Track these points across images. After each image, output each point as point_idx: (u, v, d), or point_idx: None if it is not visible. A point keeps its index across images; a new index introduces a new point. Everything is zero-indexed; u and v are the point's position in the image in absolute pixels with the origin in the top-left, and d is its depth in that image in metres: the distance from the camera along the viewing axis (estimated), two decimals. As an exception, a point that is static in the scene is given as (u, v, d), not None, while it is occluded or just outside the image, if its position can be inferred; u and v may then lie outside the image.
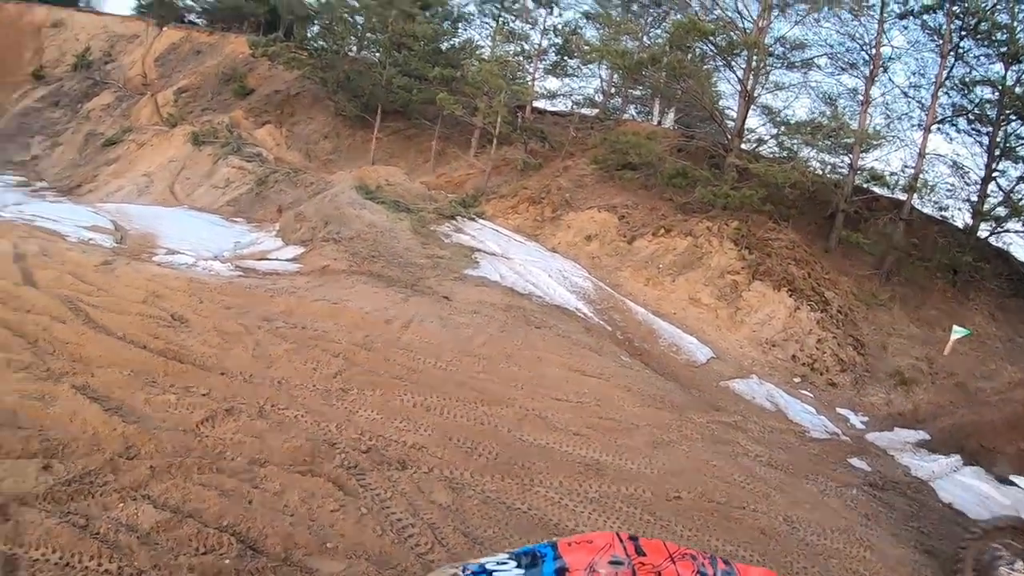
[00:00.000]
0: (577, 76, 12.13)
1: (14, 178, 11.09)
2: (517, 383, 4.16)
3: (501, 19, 11.73)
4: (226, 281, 5.58)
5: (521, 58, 11.37)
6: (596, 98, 12.67)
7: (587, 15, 11.91)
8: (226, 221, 8.61)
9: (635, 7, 12.21)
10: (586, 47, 10.85)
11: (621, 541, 1.13)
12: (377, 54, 11.90)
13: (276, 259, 6.89)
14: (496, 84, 9.75)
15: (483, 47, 11.96)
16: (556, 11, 11.59)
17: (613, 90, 12.80)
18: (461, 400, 3.62)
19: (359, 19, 12.00)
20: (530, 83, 11.57)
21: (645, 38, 11.80)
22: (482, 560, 1.10)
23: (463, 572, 1.05)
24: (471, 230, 8.35)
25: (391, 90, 10.84)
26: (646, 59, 9.64)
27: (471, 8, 12.44)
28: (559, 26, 11.66)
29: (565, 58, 11.58)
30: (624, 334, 6.47)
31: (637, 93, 13.12)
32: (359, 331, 4.51)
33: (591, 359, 5.08)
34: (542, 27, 11.40)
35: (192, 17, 16.61)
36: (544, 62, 11.58)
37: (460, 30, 12.22)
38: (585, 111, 12.05)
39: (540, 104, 12.42)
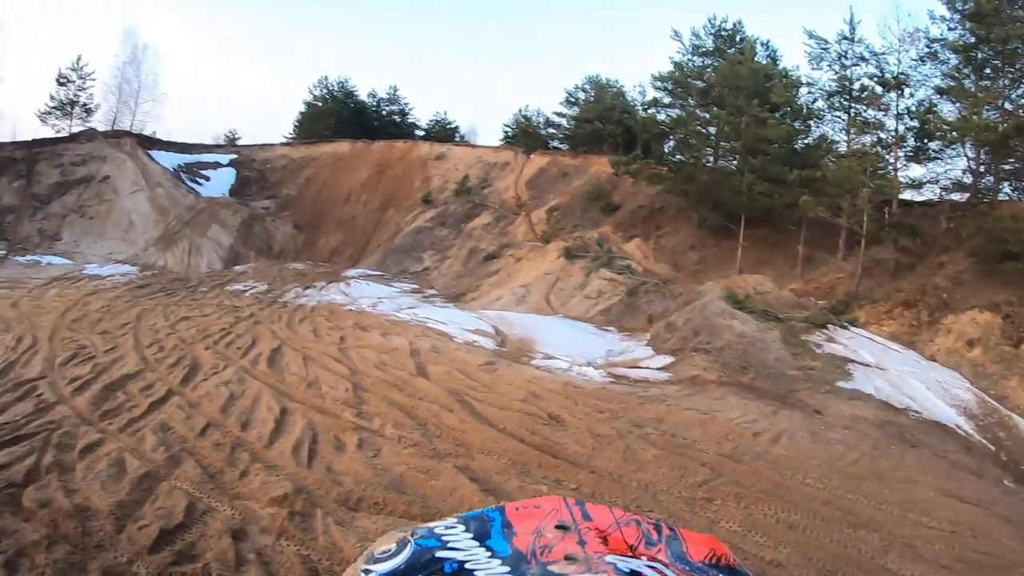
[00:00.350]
0: (941, 159, 19.29)
1: (409, 286, 23.14)
2: (886, 506, 6.82)
3: (852, 110, 20.33)
4: (599, 387, 11.05)
5: (879, 148, 19.44)
6: (965, 180, 19.26)
7: (939, 90, 18.78)
8: (598, 330, 16.39)
9: (987, 70, 18.24)
10: (944, 126, 17.46)
11: (568, 506, 2.12)
12: (734, 162, 21.94)
13: (647, 367, 12.80)
14: (857, 180, 17.40)
15: (838, 142, 20.88)
16: (907, 91, 19.07)
17: (982, 168, 19.25)
18: (826, 520, 6.22)
19: (712, 130, 22.32)
20: (892, 174, 18.82)
21: (1006, 104, 17.64)
22: (431, 524, 2.02)
23: (412, 536, 1.92)
24: (843, 339, 14.17)
25: (751, 197, 19.91)
26: (1011, 129, 14.68)
27: (819, 103, 21.32)
28: (912, 108, 19.00)
29: (925, 141, 18.87)
30: (1009, 455, 9.89)
31: (1009, 167, 18.98)
32: (727, 442, 8.27)
33: (969, 483, 8.08)
34: (895, 111, 19.28)
35: (555, 143, 32.30)
36: (904, 149, 19.45)
37: (812, 127, 21.59)
38: (955, 196, 19.16)
39: (906, 195, 19.75)
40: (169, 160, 32.52)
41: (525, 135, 34.51)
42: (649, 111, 26.27)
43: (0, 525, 5.85)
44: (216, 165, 34.05)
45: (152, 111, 38.00)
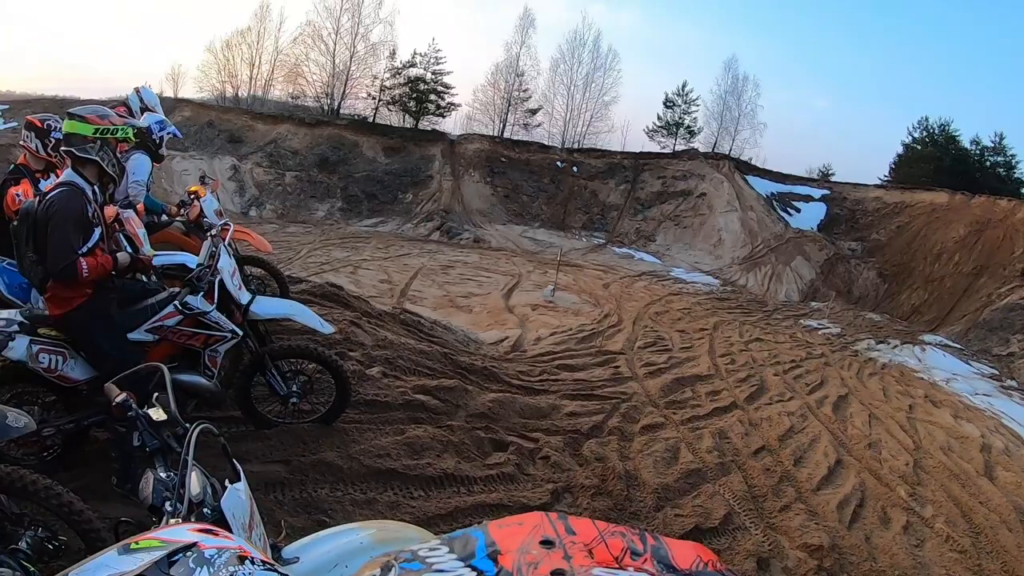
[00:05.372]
0: None
1: (988, 369, 24.10)
2: None
3: None
4: None
5: None
6: None
7: None
8: None
9: None
10: None
11: (551, 521, 2.46)
12: None
13: None
14: None
15: None
16: None
17: None
18: None
19: None
20: None
21: None
22: (414, 548, 2.33)
23: (396, 560, 2.22)
24: None
25: None
26: None
27: None
28: None
29: None
30: None
31: None
32: None
33: None
34: None
35: None
36: None
37: None
38: None
39: None
40: (762, 187, 40.90)
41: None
42: None
43: (559, 460, 7.84)
44: (808, 198, 41.27)
45: (750, 139, 48.49)
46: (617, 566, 2.37)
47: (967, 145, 45.82)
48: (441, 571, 2.30)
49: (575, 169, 41.66)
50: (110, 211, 5.76)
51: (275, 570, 1.96)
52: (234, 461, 2.88)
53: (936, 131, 46.34)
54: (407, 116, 44.76)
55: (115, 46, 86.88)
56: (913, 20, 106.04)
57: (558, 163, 41.87)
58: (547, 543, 2.45)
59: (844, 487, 9.48)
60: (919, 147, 46.25)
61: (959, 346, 27.43)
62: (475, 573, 2.28)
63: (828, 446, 11.05)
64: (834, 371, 17.20)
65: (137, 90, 9.07)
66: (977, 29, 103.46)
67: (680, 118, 48.52)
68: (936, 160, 44.05)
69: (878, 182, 45.28)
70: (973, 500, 10.30)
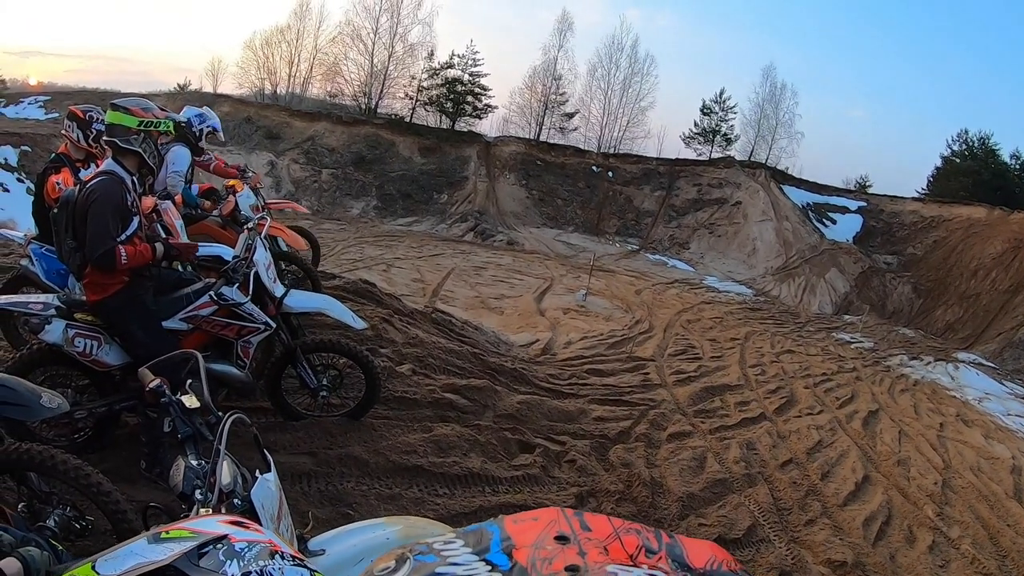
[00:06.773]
0: None
1: (1020, 389, 22.96)
2: None
3: None
4: None
5: None
6: None
7: None
8: None
9: None
10: None
11: (566, 517, 2.50)
12: None
13: None
14: None
15: None
16: None
17: None
18: None
19: None
20: None
21: None
22: (429, 540, 2.39)
23: (411, 552, 2.28)
24: None
25: None
26: None
27: None
28: None
29: None
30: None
31: None
32: None
33: None
34: None
35: None
36: None
37: None
38: None
39: None
40: (798, 196, 40.45)
41: None
42: None
43: (585, 464, 7.87)
44: (844, 210, 40.77)
45: (787, 148, 47.61)
46: (631, 563, 2.39)
47: (1007, 159, 44.15)
48: (455, 564, 2.32)
49: (610, 174, 41.63)
50: (148, 202, 5.79)
51: (304, 566, 1.96)
52: (265, 452, 2.89)
53: (976, 144, 44.82)
54: (444, 117, 45.05)
55: (155, 40, 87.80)
56: (954, 31, 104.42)
57: (593, 168, 41.81)
58: (562, 539, 2.46)
59: (871, 504, 9.36)
60: (958, 160, 44.77)
61: (993, 365, 26.69)
62: (489, 567, 2.32)
63: (856, 461, 10.88)
64: (865, 386, 17.01)
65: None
66: (1020, 41, 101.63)
67: (717, 125, 47.99)
68: (975, 174, 42.62)
69: (915, 195, 44.27)
70: (1001, 523, 10.11)
